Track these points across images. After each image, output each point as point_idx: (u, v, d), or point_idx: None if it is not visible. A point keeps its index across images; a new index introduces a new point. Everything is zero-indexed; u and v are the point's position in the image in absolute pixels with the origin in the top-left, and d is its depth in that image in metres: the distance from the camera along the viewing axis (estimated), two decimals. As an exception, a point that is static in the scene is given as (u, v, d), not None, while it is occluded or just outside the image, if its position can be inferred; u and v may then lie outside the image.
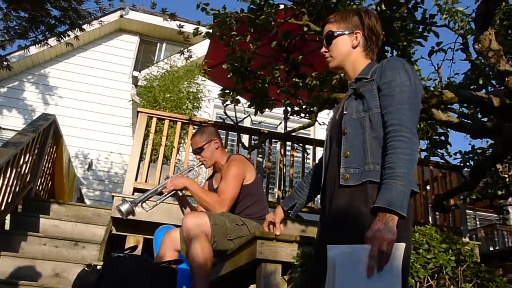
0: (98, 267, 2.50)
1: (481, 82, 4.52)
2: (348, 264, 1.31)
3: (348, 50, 1.66)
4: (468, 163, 4.90)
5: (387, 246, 1.27)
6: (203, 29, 4.17)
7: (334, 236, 1.45)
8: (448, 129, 4.70)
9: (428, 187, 5.50)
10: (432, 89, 3.94)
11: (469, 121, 4.05)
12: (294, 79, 4.18)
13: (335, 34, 1.67)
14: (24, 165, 4.44)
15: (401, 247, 1.29)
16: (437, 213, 5.28)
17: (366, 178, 1.42)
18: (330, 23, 1.71)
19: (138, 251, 4.03)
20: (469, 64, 4.60)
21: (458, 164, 4.98)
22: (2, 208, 3.94)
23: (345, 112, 1.56)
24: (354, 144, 1.49)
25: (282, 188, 5.05)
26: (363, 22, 1.66)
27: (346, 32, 1.66)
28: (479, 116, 4.57)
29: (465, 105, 4.63)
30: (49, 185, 5.64)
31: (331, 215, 1.52)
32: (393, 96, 1.45)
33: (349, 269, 1.30)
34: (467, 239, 5.00)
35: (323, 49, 1.71)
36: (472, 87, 4.70)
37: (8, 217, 4.25)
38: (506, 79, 2.99)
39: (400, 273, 1.28)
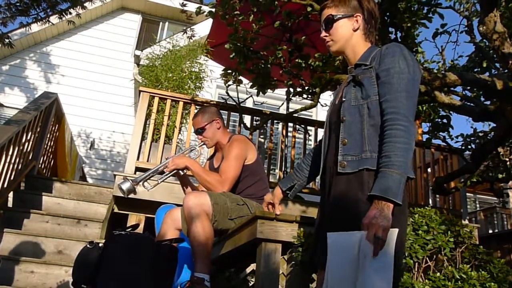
0: (100, 244, 2.52)
1: (484, 64, 4.49)
2: (341, 248, 1.34)
3: (349, 33, 1.65)
4: (469, 146, 4.89)
5: (382, 232, 1.29)
6: (206, 8, 4.12)
7: (332, 223, 1.48)
8: (451, 112, 4.69)
9: (429, 170, 5.50)
10: (435, 71, 3.91)
11: (471, 104, 4.03)
12: (297, 60, 4.14)
13: (336, 18, 1.65)
14: (27, 143, 4.45)
15: (394, 232, 1.32)
16: (437, 195, 5.29)
17: (363, 166, 1.44)
18: (328, 7, 1.69)
19: (139, 230, 4.07)
20: (473, 47, 4.55)
21: (460, 147, 4.97)
22: (5, 185, 3.97)
23: (344, 99, 1.56)
24: (352, 131, 1.50)
25: (283, 169, 5.06)
26: (362, 6, 1.65)
27: (347, 15, 1.65)
28: (482, 99, 4.54)
29: (468, 87, 4.61)
30: (52, 163, 5.67)
31: (329, 201, 1.54)
32: (391, 83, 1.45)
33: (342, 253, 1.33)
34: (466, 222, 5.04)
35: (323, 34, 1.70)
36: (475, 69, 4.67)
37: (11, 194, 4.28)
38: (510, 62, 2.97)
39: (392, 258, 1.30)
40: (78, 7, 5.02)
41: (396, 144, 1.36)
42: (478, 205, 12.86)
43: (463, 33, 4.38)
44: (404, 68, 1.46)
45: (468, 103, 4.07)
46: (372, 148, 1.45)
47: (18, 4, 4.74)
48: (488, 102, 4.15)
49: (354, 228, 1.35)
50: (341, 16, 1.65)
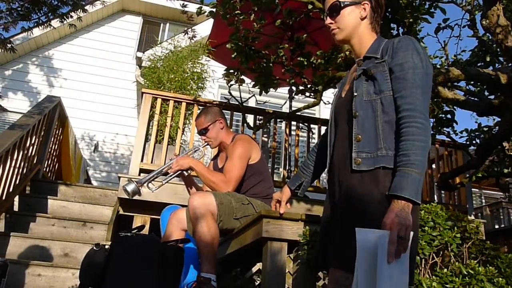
0: (106, 246, 2.53)
1: (488, 59, 4.46)
2: (369, 245, 1.30)
3: (356, 21, 1.60)
4: (474, 141, 4.87)
5: (405, 232, 1.27)
6: (206, 8, 4.12)
7: (345, 220, 1.45)
8: (455, 107, 4.67)
9: (433, 166, 5.49)
10: (438, 66, 3.90)
11: (475, 99, 4.02)
12: (298, 58, 4.13)
13: (343, 4, 1.59)
14: (31, 147, 4.47)
15: (411, 238, 1.30)
16: (442, 191, 5.27)
17: (379, 164, 1.41)
18: None
19: (145, 231, 4.08)
20: (476, 41, 4.53)
21: (464, 142, 4.95)
22: (11, 189, 3.98)
23: (355, 94, 1.52)
24: (365, 127, 1.47)
25: (287, 168, 5.06)
26: None
27: (355, 2, 1.60)
28: (486, 93, 4.52)
29: (472, 82, 4.58)
30: (56, 166, 5.69)
31: (342, 199, 1.51)
32: (406, 79, 1.42)
33: (370, 250, 1.30)
34: (472, 217, 5.01)
35: (328, 21, 1.63)
36: (479, 64, 4.64)
37: (16, 198, 4.30)
38: (514, 55, 2.95)
39: (408, 261, 1.29)
40: (79, 10, 5.03)
41: (415, 143, 1.34)
42: (483, 200, 12.81)
43: (466, 27, 4.35)
44: (418, 62, 1.43)
45: (472, 98, 4.05)
46: (388, 145, 1.42)
47: (19, 9, 4.76)
48: (492, 97, 4.13)
49: (370, 225, 1.32)
50: (348, 3, 1.59)
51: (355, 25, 1.60)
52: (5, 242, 3.63)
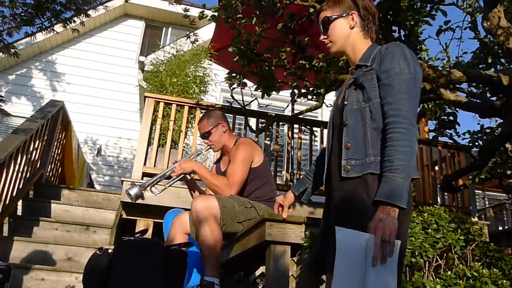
0: (110, 250, 2.53)
1: (490, 60, 4.45)
2: (349, 246, 1.33)
3: (346, 32, 1.65)
4: (477, 143, 4.85)
5: (389, 235, 1.29)
6: (208, 13, 4.13)
7: (338, 225, 1.46)
8: (457, 109, 4.66)
9: (436, 168, 5.47)
10: (440, 68, 3.89)
11: (477, 101, 4.01)
12: (300, 61, 4.14)
13: (331, 19, 1.66)
14: (34, 152, 4.48)
15: (397, 244, 1.31)
16: (445, 193, 5.26)
17: (367, 170, 1.44)
18: (324, 10, 1.70)
19: (148, 235, 4.08)
20: (477, 43, 4.52)
21: (467, 144, 4.93)
22: (14, 194, 3.99)
23: (346, 103, 1.55)
24: (355, 135, 1.49)
25: (290, 171, 5.06)
26: (356, 3, 1.65)
27: (342, 15, 1.65)
28: (488, 95, 4.51)
29: (474, 84, 4.57)
30: (59, 171, 5.70)
31: (335, 204, 1.53)
32: (392, 85, 1.44)
33: (349, 251, 1.33)
34: (476, 219, 5.00)
35: (322, 37, 1.70)
36: (480, 66, 4.63)
37: (20, 203, 4.31)
38: (516, 57, 2.94)
39: (395, 268, 1.30)
40: (82, 15, 5.05)
41: (399, 148, 1.36)
42: (487, 202, 12.77)
43: (467, 29, 4.35)
44: (404, 68, 1.45)
45: (474, 100, 4.04)
46: (376, 152, 1.44)
47: (23, 14, 4.78)
48: (494, 98, 4.12)
49: (360, 229, 1.34)
50: (336, 16, 1.65)
51: (345, 36, 1.65)
52: (8, 246, 3.64)
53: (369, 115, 1.48)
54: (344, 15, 1.65)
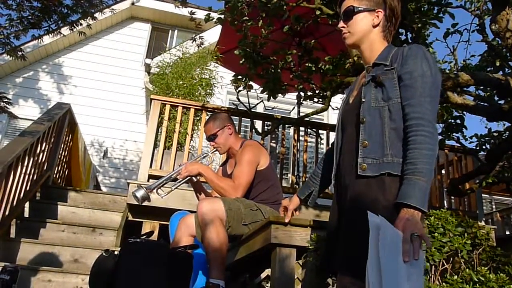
0: (116, 252, 2.54)
1: (497, 64, 4.43)
2: (389, 237, 1.29)
3: (368, 28, 1.62)
4: (484, 147, 4.83)
5: (419, 230, 1.27)
6: (214, 15, 4.14)
7: (350, 224, 1.46)
8: (464, 112, 4.64)
9: (443, 171, 5.45)
10: (447, 71, 3.88)
11: (485, 104, 3.99)
12: (307, 64, 4.14)
13: (356, 10, 1.61)
14: (41, 154, 4.51)
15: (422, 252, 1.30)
16: (452, 197, 5.23)
17: (384, 170, 1.42)
18: None
19: (154, 237, 4.09)
20: (485, 46, 4.51)
21: (474, 147, 4.91)
22: (21, 195, 4.02)
23: (363, 100, 1.53)
24: (372, 134, 1.48)
25: (296, 174, 5.06)
26: (385, 1, 1.61)
27: (369, 9, 1.61)
28: (496, 98, 4.49)
29: (481, 87, 4.56)
30: (66, 173, 5.74)
31: (348, 204, 1.51)
32: (415, 87, 1.43)
33: (390, 243, 1.29)
34: (482, 223, 4.96)
35: (341, 24, 1.66)
36: (488, 69, 4.61)
37: (27, 204, 4.34)
38: (524, 60, 2.93)
39: (423, 265, 1.31)
40: (88, 18, 5.09)
41: (422, 151, 1.35)
42: (494, 206, 12.66)
43: (475, 32, 4.34)
44: (427, 71, 1.44)
45: (482, 103, 4.02)
46: (394, 152, 1.43)
47: (30, 17, 4.83)
48: (502, 102, 4.10)
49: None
50: (362, 9, 1.61)
51: (366, 31, 1.62)
52: (15, 248, 3.67)
53: (388, 114, 1.46)
54: (370, 9, 1.61)
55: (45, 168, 4.74)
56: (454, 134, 4.68)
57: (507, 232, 9.89)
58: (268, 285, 3.43)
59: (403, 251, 1.26)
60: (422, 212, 1.32)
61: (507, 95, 3.68)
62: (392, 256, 1.28)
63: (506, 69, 4.41)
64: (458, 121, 4.64)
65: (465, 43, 5.14)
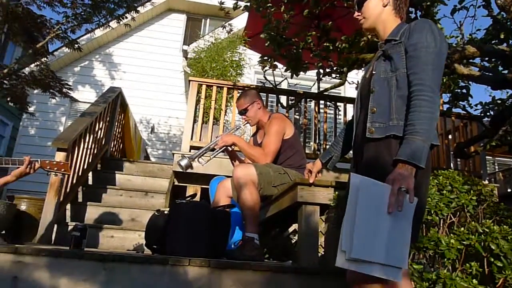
0: (166, 212, 2.62)
1: (502, 36, 4.19)
2: (369, 194, 1.28)
3: (379, 9, 1.58)
4: (488, 113, 4.64)
5: (407, 184, 1.25)
6: (241, 3, 4.07)
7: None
8: (470, 82, 4.45)
9: (450, 136, 5.30)
10: (454, 45, 3.71)
11: (490, 74, 3.81)
12: (325, 44, 4.03)
13: None
14: (99, 131, 4.63)
15: (415, 201, 1.26)
16: (458, 159, 5.10)
17: (390, 132, 1.39)
18: None
19: (197, 198, 4.18)
20: (491, 20, 4.26)
21: (479, 114, 4.73)
22: (85, 167, 4.16)
23: (374, 72, 1.51)
24: (380, 101, 1.45)
25: (317, 141, 5.02)
26: None
27: None
28: (500, 68, 4.28)
29: (487, 59, 4.34)
30: (121, 146, 5.88)
31: (362, 165, 1.50)
32: (418, 57, 1.38)
33: (370, 199, 1.27)
34: (486, 182, 4.83)
35: (356, 14, 1.64)
36: (493, 41, 4.37)
37: (90, 174, 4.50)
38: (528, 31, 2.76)
39: (411, 220, 1.26)
40: (132, 11, 5.10)
41: (421, 114, 1.31)
42: (497, 167, 12.28)
43: (481, 7, 4.10)
44: (431, 42, 1.39)
45: (487, 73, 3.84)
46: (399, 116, 1.39)
47: (82, 13, 4.88)
48: (506, 72, 3.90)
49: None
50: None
51: (378, 13, 1.59)
52: (83, 210, 3.83)
53: (395, 83, 1.43)
54: None
55: (103, 143, 4.88)
56: (460, 102, 4.51)
57: (509, 190, 9.62)
58: (295, 237, 3.48)
59: (389, 203, 1.24)
60: (416, 167, 1.28)
61: (511, 65, 3.50)
62: (371, 211, 1.25)
63: (510, 41, 4.18)
64: (464, 90, 4.46)
65: (471, 18, 4.87)
